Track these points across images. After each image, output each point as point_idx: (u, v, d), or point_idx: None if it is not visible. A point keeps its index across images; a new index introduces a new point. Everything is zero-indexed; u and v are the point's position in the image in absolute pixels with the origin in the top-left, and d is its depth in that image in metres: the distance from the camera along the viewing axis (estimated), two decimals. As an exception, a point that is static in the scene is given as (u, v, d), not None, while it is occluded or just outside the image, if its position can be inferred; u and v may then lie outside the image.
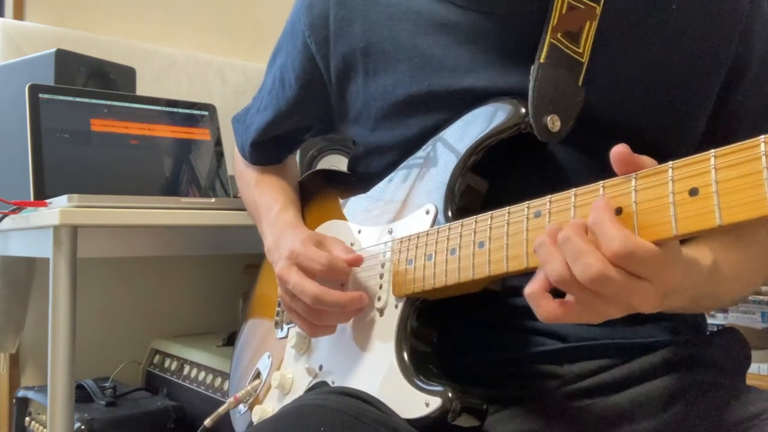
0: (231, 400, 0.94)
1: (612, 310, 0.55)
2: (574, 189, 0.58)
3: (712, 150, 0.50)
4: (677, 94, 0.73)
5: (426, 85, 0.77)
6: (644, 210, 0.53)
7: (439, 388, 0.67)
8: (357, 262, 0.78)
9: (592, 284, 0.53)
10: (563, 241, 0.54)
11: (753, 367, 0.82)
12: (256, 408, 0.90)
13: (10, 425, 1.57)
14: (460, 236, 0.68)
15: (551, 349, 0.74)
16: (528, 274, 0.61)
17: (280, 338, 0.93)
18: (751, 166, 0.48)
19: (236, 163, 1.11)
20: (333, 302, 0.75)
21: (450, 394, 0.66)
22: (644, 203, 0.53)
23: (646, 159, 0.55)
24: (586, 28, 0.72)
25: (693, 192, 0.50)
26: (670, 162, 0.52)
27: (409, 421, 0.69)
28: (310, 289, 0.75)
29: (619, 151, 0.55)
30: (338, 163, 1.54)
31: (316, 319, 0.78)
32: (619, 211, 0.54)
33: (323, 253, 0.78)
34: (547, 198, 0.60)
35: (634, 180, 0.54)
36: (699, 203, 0.50)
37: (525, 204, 0.62)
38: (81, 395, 1.44)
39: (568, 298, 0.56)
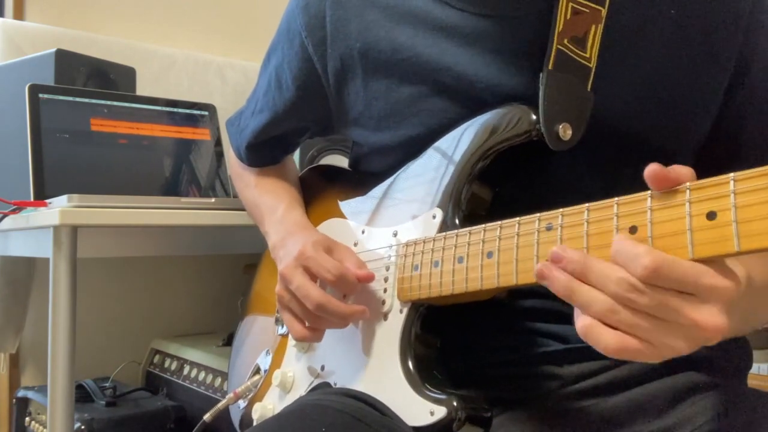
0: (230, 395, 0.94)
1: (676, 342, 0.50)
2: (587, 204, 0.57)
3: (732, 173, 0.48)
4: (682, 95, 0.73)
5: (428, 84, 0.77)
6: (660, 231, 0.52)
7: (444, 397, 0.67)
8: (368, 279, 0.77)
9: (627, 300, 0.50)
10: (585, 272, 0.51)
11: (753, 367, 0.82)
12: (257, 405, 0.90)
13: (10, 425, 1.57)
14: (468, 245, 0.67)
15: (552, 350, 0.74)
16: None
17: (280, 335, 0.93)
18: None
19: (232, 166, 1.10)
20: (336, 312, 0.75)
21: (455, 403, 0.66)
22: (660, 224, 0.52)
23: (682, 170, 0.51)
24: (592, 32, 0.71)
25: (711, 216, 0.49)
26: (688, 183, 0.51)
27: (413, 428, 0.69)
28: (315, 295, 0.75)
29: (652, 170, 0.51)
30: (338, 162, 1.54)
31: (312, 323, 0.78)
32: (633, 230, 0.53)
33: (335, 262, 0.77)
34: (559, 211, 0.59)
35: (649, 199, 0.53)
36: (717, 228, 0.48)
37: (536, 216, 0.61)
38: (81, 395, 1.44)
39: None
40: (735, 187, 0.48)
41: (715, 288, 0.49)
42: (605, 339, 0.51)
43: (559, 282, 0.53)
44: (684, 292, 0.49)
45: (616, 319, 0.50)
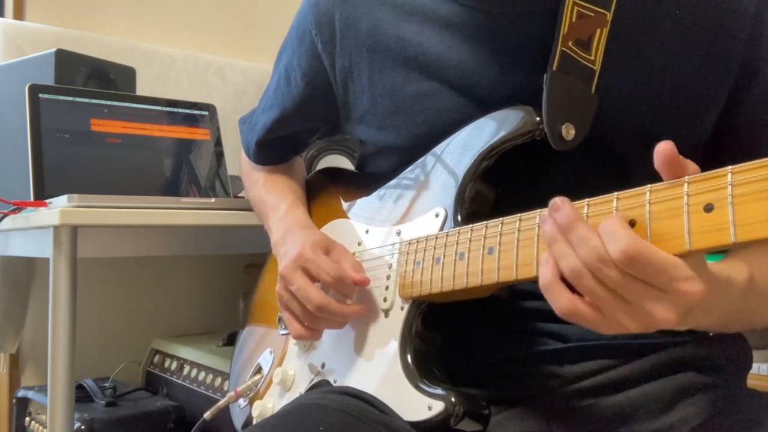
0: (231, 393, 0.95)
1: (627, 321, 0.53)
2: (587, 199, 0.58)
3: (729, 166, 0.49)
4: (686, 98, 0.73)
5: (434, 83, 0.78)
6: (658, 223, 0.52)
7: (442, 392, 0.67)
8: (364, 283, 0.78)
9: (595, 268, 0.52)
10: (569, 229, 0.53)
11: (753, 367, 0.82)
12: (257, 403, 0.90)
13: (10, 425, 1.57)
14: (470, 241, 0.68)
15: (552, 349, 0.74)
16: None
17: (283, 334, 0.93)
18: None
19: (243, 164, 1.11)
20: (336, 313, 0.77)
21: (453, 399, 0.66)
22: (658, 217, 0.53)
23: (690, 164, 0.52)
24: (597, 35, 0.72)
25: (708, 208, 0.49)
26: (686, 177, 0.52)
27: (411, 423, 0.69)
28: (316, 297, 0.76)
29: (664, 150, 0.52)
30: (338, 163, 1.54)
31: (312, 323, 0.79)
32: (632, 224, 0.54)
33: (334, 264, 0.78)
34: None
35: (648, 193, 0.54)
36: (714, 219, 0.49)
37: (536, 212, 0.62)
38: (81, 395, 1.44)
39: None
40: (732, 179, 0.49)
41: (684, 293, 0.50)
42: (561, 299, 0.54)
43: (545, 231, 0.55)
44: (650, 283, 0.51)
45: (580, 282, 0.53)
